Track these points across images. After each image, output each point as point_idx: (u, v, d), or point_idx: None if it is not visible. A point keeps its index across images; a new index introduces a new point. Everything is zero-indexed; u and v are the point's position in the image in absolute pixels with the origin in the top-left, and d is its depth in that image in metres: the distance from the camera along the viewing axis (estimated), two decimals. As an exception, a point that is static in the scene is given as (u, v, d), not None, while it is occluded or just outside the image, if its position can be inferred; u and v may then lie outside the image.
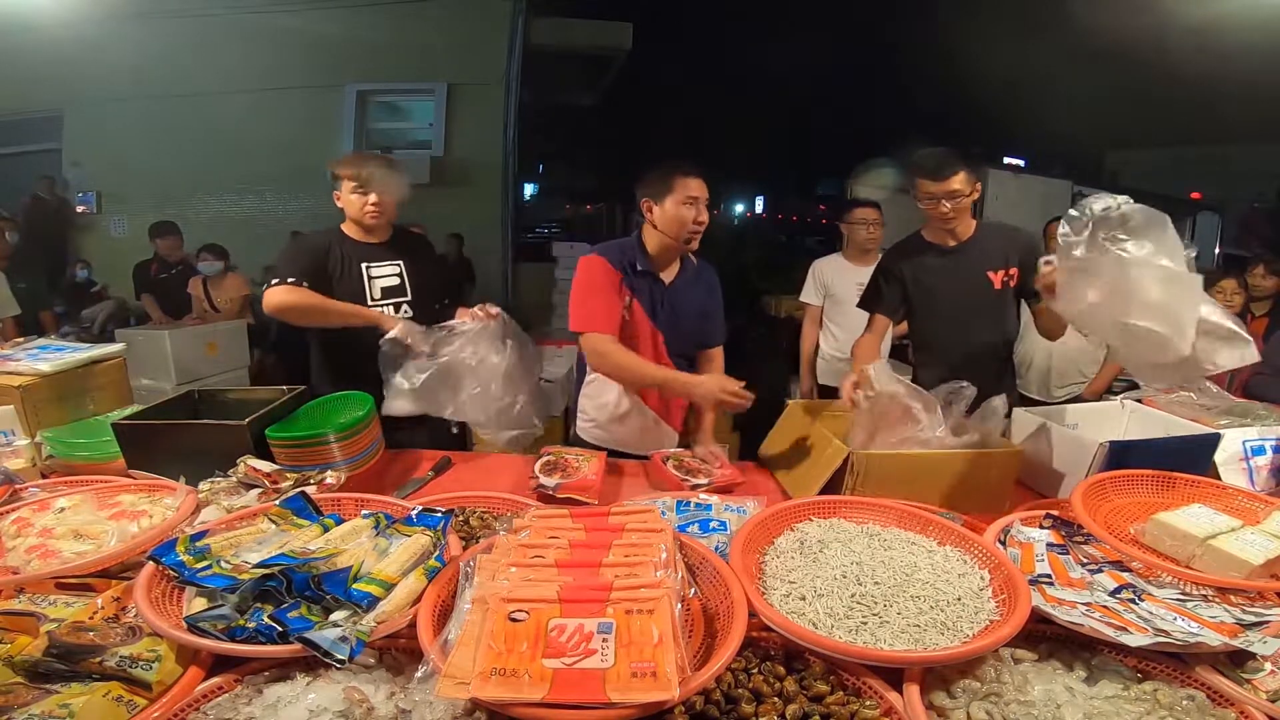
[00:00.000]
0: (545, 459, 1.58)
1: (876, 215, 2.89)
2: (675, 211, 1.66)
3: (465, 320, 1.73)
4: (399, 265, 1.93)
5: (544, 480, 1.47)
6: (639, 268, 1.73)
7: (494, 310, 1.76)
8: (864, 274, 2.90)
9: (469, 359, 1.64)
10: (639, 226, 1.79)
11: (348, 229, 1.92)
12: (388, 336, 1.66)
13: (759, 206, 20.46)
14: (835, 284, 2.92)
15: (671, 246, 1.73)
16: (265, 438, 1.43)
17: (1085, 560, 1.09)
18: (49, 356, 1.65)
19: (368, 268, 1.88)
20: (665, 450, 1.70)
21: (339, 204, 1.89)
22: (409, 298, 1.93)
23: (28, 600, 0.95)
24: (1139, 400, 1.78)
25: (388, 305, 1.90)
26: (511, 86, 6.64)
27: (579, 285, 1.73)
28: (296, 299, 1.72)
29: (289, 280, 1.73)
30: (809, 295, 3.01)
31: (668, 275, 1.78)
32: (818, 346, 3.04)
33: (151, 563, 0.95)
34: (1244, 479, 1.49)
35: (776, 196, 19.65)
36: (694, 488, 1.48)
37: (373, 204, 1.84)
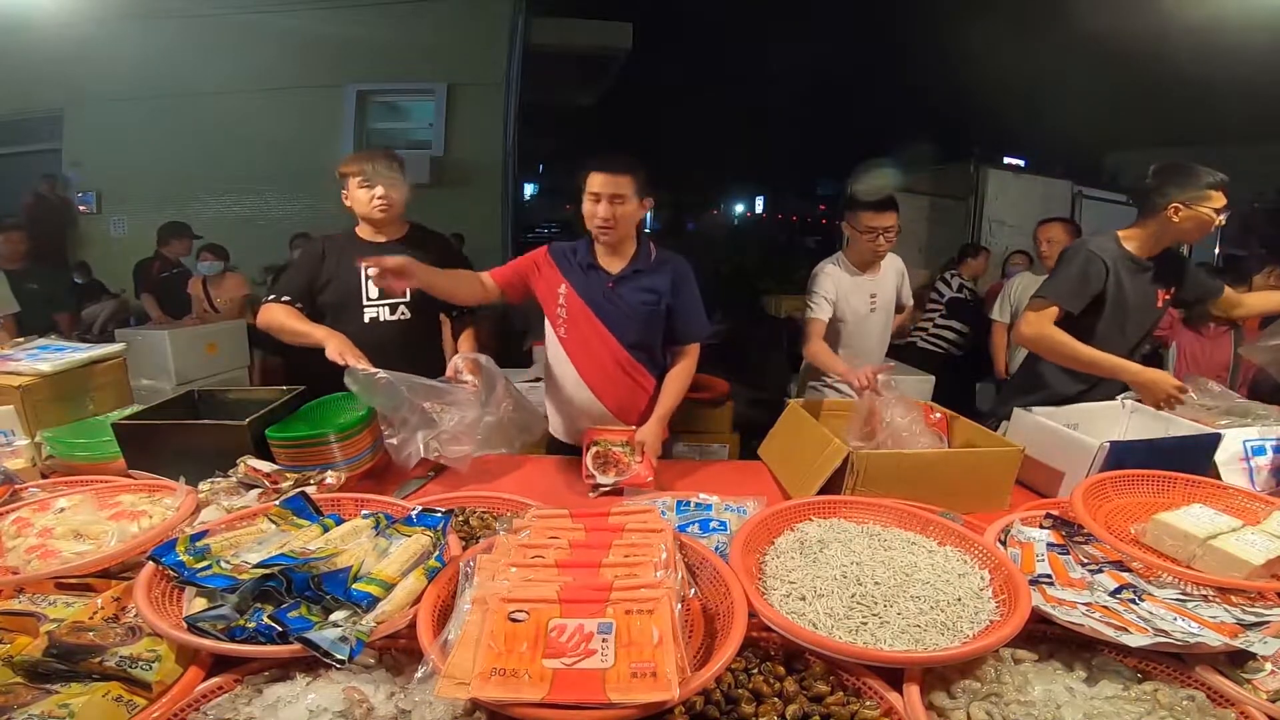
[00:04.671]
0: (594, 449, 1.59)
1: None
2: (585, 207, 1.68)
3: (450, 381, 1.62)
4: None
5: (601, 480, 1.52)
6: (584, 261, 1.76)
7: (467, 377, 1.63)
8: (867, 279, 2.90)
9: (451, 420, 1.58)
10: None
11: (360, 230, 1.94)
12: (350, 369, 1.50)
13: (759, 206, 20.49)
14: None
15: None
16: (265, 438, 1.43)
17: (1085, 560, 1.09)
18: (49, 356, 1.65)
19: (368, 268, 1.82)
20: (598, 430, 1.65)
21: (347, 203, 1.90)
22: (406, 299, 1.88)
23: (28, 600, 0.95)
24: (1139, 400, 1.78)
25: (383, 306, 1.88)
26: (511, 86, 6.65)
27: None
28: (278, 320, 1.78)
29: (273, 298, 1.82)
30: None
31: (614, 266, 1.76)
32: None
33: (151, 563, 0.95)
34: (1244, 479, 1.49)
35: (776, 196, 19.68)
36: (595, 487, 1.53)
37: (379, 197, 1.85)
